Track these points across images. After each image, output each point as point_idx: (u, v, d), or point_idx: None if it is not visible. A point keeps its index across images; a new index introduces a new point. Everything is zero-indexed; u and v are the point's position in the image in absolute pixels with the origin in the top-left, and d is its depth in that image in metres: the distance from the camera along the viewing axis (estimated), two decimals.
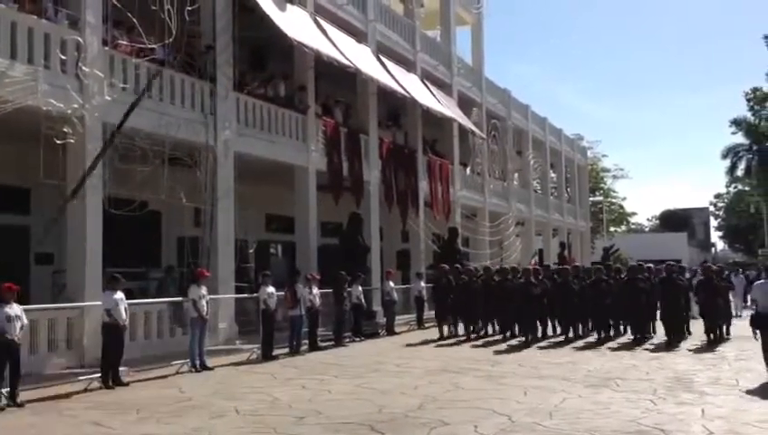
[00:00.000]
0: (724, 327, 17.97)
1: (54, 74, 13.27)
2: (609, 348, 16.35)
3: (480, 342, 18.28)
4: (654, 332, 18.26)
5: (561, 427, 8.44)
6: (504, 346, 17.19)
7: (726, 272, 26.60)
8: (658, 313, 18.04)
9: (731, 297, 25.46)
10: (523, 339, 17.86)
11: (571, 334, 18.18)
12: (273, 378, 12.71)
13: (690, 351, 15.55)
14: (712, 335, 16.91)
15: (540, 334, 18.47)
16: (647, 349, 16.05)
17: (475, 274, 20.86)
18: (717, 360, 14.09)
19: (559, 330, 18.86)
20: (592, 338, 18.02)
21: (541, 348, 16.65)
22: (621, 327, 18.66)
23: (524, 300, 18.07)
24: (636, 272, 18.48)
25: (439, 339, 18.90)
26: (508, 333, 18.92)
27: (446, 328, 19.74)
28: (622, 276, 18.81)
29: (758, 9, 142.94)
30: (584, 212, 51.32)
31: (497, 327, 19.73)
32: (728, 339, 17.35)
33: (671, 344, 16.42)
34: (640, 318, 17.73)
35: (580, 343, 17.35)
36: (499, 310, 19.19)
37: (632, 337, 17.59)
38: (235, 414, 9.57)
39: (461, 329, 19.70)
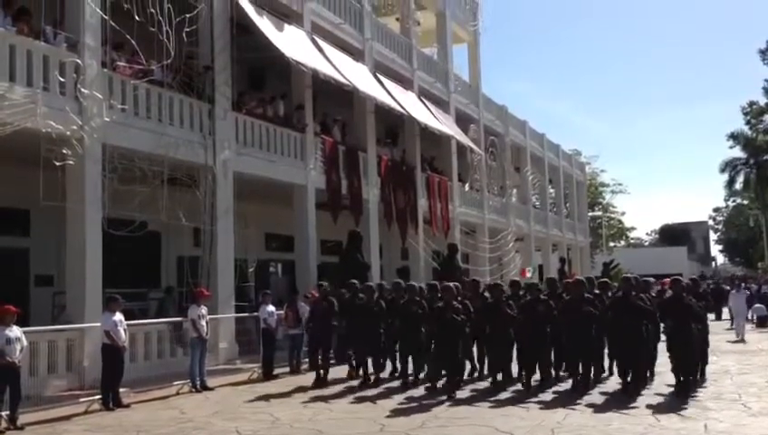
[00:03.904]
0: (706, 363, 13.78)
1: (53, 96, 13.30)
2: (540, 402, 11.27)
3: (373, 391, 13.04)
4: (605, 371, 13.55)
5: None
6: (398, 400, 11.88)
7: (706, 284, 24.81)
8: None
9: (728, 314, 24.74)
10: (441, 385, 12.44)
11: (499, 376, 12.95)
12: (274, 397, 12.64)
13: (650, 408, 10.50)
14: (682, 378, 11.76)
15: (466, 374, 13.82)
16: (591, 404, 10.98)
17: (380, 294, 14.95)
18: (719, 374, 14.02)
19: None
20: (526, 384, 12.71)
21: (451, 404, 11.29)
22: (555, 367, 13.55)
23: (440, 329, 12.55)
24: (581, 289, 12.99)
25: (315, 385, 13.86)
26: (420, 376, 13.42)
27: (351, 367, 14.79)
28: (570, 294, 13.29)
29: (753, 23, 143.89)
30: (583, 227, 51.34)
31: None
32: (703, 384, 12.76)
33: (627, 394, 11.58)
34: (586, 355, 12.42)
35: (509, 392, 12.29)
36: (404, 342, 13.79)
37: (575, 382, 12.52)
38: None
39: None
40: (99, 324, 12.48)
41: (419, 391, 12.70)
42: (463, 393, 12.25)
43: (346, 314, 14.91)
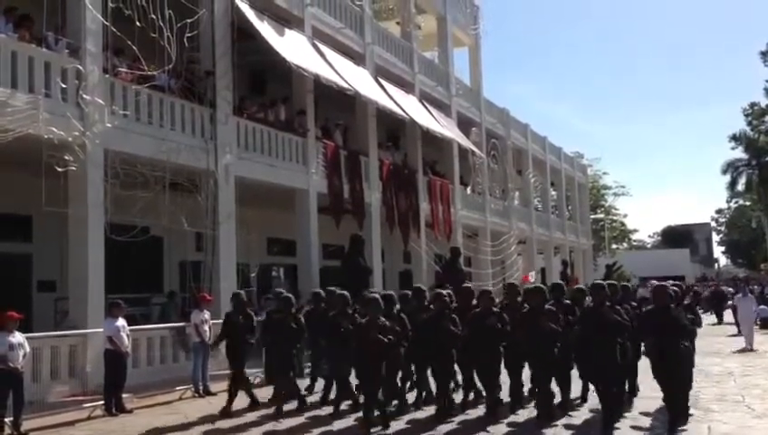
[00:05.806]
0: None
1: (55, 102, 13.31)
2: None
3: (288, 422, 10.86)
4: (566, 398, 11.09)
5: None
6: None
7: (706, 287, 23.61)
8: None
9: (732, 319, 24.20)
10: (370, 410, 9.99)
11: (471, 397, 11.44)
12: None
13: None
14: (673, 407, 9.58)
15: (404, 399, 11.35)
16: None
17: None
18: (723, 376, 14.00)
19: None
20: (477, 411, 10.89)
21: None
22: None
23: (365, 350, 9.94)
24: (540, 298, 10.87)
25: (223, 410, 11.63)
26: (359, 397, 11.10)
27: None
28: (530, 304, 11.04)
29: (754, 25, 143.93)
30: (586, 230, 51.29)
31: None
32: (689, 412, 9.86)
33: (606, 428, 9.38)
34: (542, 378, 10.50)
35: (455, 423, 10.20)
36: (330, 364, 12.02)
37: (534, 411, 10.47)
38: None
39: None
40: (101, 330, 12.50)
41: (347, 421, 10.71)
42: (398, 424, 10.14)
43: (264, 329, 12.55)
